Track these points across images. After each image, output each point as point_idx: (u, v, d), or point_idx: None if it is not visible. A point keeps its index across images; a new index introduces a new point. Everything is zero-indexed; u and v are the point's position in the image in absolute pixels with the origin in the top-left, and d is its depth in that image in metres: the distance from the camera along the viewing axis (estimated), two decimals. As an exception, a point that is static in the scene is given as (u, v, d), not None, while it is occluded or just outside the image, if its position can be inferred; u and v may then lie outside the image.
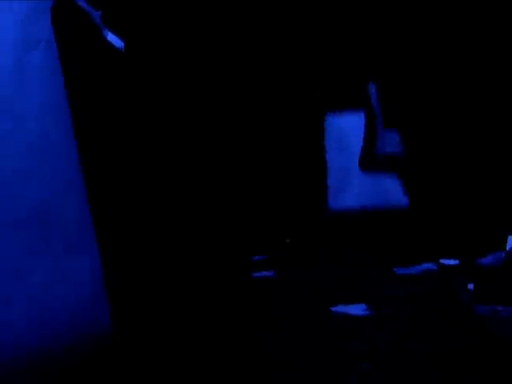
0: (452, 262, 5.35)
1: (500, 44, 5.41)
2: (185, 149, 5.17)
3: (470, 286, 4.17)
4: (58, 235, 2.41)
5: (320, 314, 3.86)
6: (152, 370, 2.66)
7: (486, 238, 5.16)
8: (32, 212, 2.36)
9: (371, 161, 4.76)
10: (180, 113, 5.03)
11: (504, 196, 5.49)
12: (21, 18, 2.50)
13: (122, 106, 2.98)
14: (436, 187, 5.81)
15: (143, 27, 4.69)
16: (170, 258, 3.36)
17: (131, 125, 3.07)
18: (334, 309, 3.96)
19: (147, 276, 3.08)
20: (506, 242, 4.43)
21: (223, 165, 5.52)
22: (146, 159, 3.27)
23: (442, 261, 5.37)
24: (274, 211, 5.73)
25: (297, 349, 3.05)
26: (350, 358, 2.87)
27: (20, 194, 2.35)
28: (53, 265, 2.37)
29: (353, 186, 4.29)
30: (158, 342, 2.92)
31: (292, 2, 5.42)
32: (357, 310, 3.93)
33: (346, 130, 4.60)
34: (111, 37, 2.83)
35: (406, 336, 3.24)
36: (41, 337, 2.30)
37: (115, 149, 2.86)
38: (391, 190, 4.46)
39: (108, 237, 2.59)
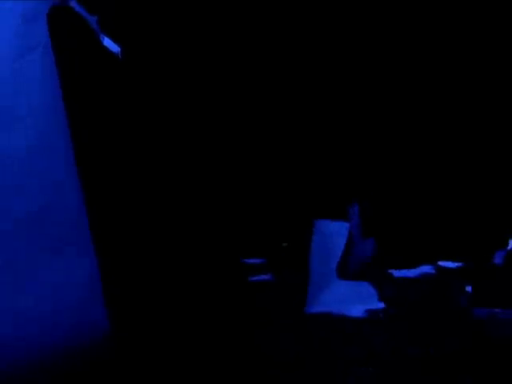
0: (450, 264, 5.35)
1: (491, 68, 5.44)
2: (182, 151, 5.17)
3: (468, 289, 4.17)
4: (54, 237, 2.41)
5: (318, 316, 3.86)
6: (150, 371, 2.66)
7: (485, 241, 5.17)
8: (27, 214, 2.36)
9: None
10: (177, 116, 5.03)
11: (503, 199, 5.49)
12: (17, 23, 2.50)
13: (119, 109, 2.98)
14: (434, 190, 5.81)
15: (140, 32, 4.70)
16: (167, 259, 3.36)
17: (127, 128, 3.08)
18: (332, 311, 3.97)
19: (144, 277, 3.08)
20: (505, 244, 4.43)
21: (221, 166, 5.52)
22: (143, 161, 3.28)
23: (440, 263, 5.37)
24: (272, 214, 5.73)
25: (295, 352, 3.05)
26: (348, 362, 2.87)
27: (15, 196, 2.36)
28: (48, 266, 2.37)
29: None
30: (156, 344, 2.92)
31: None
32: (354, 312, 3.93)
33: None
34: (108, 42, 2.83)
35: (404, 339, 3.24)
36: (37, 339, 2.30)
37: (112, 152, 2.86)
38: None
39: (104, 238, 2.59)
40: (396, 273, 5.22)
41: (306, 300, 4.05)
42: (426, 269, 5.26)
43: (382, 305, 4.14)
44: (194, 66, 5.28)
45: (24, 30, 2.51)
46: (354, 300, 4.18)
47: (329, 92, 5.69)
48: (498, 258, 4.46)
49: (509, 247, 4.34)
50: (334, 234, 4.56)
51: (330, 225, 4.59)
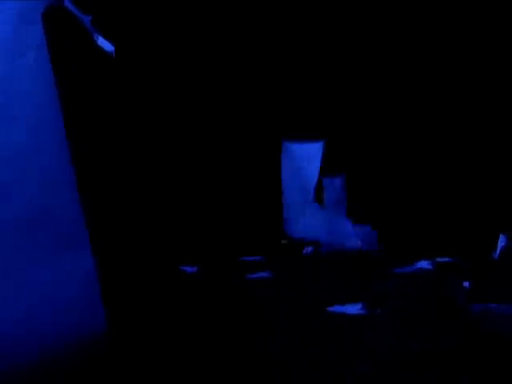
0: (447, 260, 5.36)
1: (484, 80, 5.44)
2: (177, 149, 5.17)
3: (465, 285, 4.18)
4: (51, 236, 2.41)
5: (316, 313, 3.87)
6: (147, 369, 2.66)
7: (481, 237, 5.17)
8: (24, 214, 2.37)
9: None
10: (171, 114, 5.03)
11: (498, 196, 5.50)
12: (13, 23, 2.51)
13: (113, 108, 2.98)
14: (432, 187, 5.81)
15: (133, 31, 4.70)
16: (163, 257, 3.37)
17: (122, 126, 3.08)
18: (330, 308, 3.97)
19: (141, 276, 3.08)
20: (500, 240, 4.43)
21: (218, 166, 5.52)
22: (138, 160, 3.28)
23: (437, 259, 5.38)
24: (270, 213, 5.73)
25: (293, 349, 3.06)
26: (345, 358, 2.88)
27: (11, 196, 2.36)
28: (46, 266, 2.37)
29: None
30: (152, 342, 2.92)
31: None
32: (353, 309, 3.93)
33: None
34: (102, 41, 2.84)
35: (401, 335, 3.25)
36: (35, 337, 2.30)
37: (107, 150, 2.87)
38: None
39: (101, 237, 2.60)
40: (394, 269, 5.22)
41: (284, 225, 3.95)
42: (423, 265, 5.27)
43: (379, 301, 4.14)
44: (188, 65, 5.28)
45: (19, 30, 2.52)
46: (329, 233, 4.00)
47: (328, 86, 5.69)
48: (494, 255, 4.47)
49: (501, 243, 4.33)
50: (305, 158, 4.29)
51: (300, 148, 4.33)
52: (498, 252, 4.33)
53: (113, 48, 2.92)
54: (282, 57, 5.60)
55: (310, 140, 4.31)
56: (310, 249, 5.10)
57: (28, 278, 2.34)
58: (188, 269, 4.49)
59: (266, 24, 5.50)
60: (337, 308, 3.97)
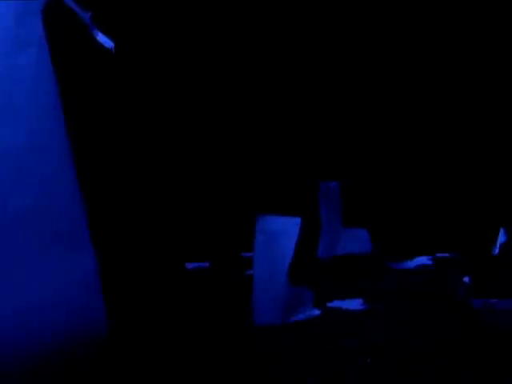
0: (447, 255, 5.37)
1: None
2: (180, 148, 5.17)
3: (466, 280, 4.18)
4: (52, 236, 2.41)
5: (317, 307, 3.87)
6: (148, 367, 2.67)
7: (481, 233, 5.18)
8: (25, 213, 2.36)
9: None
10: (173, 111, 5.02)
11: (498, 191, 5.50)
12: (13, 20, 2.50)
13: (114, 105, 2.98)
14: (431, 183, 5.82)
15: (133, 28, 4.69)
16: (164, 255, 3.36)
17: (123, 124, 3.07)
18: (330, 304, 3.97)
19: (142, 274, 3.08)
20: (501, 236, 4.43)
21: (216, 165, 5.52)
22: (140, 159, 3.27)
23: (437, 255, 5.38)
24: (268, 208, 5.72)
25: (295, 345, 3.06)
26: (347, 352, 2.88)
27: (12, 195, 2.35)
28: (47, 265, 2.37)
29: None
30: (153, 340, 2.92)
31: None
32: (353, 304, 3.93)
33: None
34: (101, 37, 2.83)
35: (402, 330, 3.25)
36: (36, 336, 2.30)
37: (108, 148, 2.86)
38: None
39: (102, 237, 2.59)
40: (394, 265, 5.23)
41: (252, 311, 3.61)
42: (423, 260, 5.27)
43: (380, 296, 4.15)
44: (188, 61, 5.27)
45: (19, 27, 2.51)
46: (297, 310, 3.75)
47: (319, 87, 5.68)
48: (494, 250, 4.48)
49: (501, 239, 4.33)
50: (281, 233, 3.77)
51: (275, 222, 3.80)
52: (498, 247, 4.34)
53: (113, 44, 2.92)
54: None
55: (287, 215, 3.98)
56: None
57: (29, 279, 2.34)
58: (189, 265, 4.50)
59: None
60: (337, 303, 3.98)
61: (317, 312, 3.71)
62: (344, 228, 5.08)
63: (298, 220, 3.75)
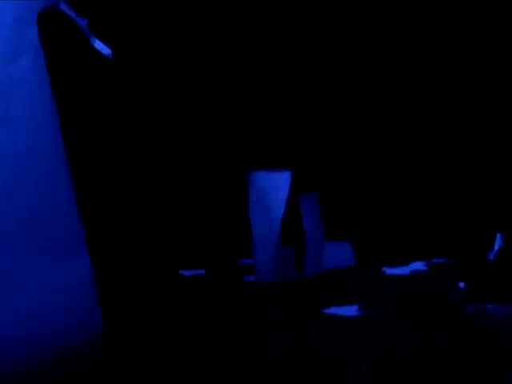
0: (443, 261, 5.37)
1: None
2: (176, 151, 5.17)
3: (461, 285, 4.19)
4: (49, 240, 2.41)
5: (312, 315, 3.87)
6: (144, 370, 2.67)
7: (477, 238, 5.19)
8: (21, 217, 2.36)
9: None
10: (169, 117, 5.02)
11: (493, 197, 5.52)
12: (8, 26, 2.50)
13: (110, 111, 2.98)
14: (426, 188, 5.83)
15: (130, 35, 4.70)
16: (160, 259, 3.36)
17: (119, 130, 3.08)
18: (326, 310, 3.97)
19: (138, 280, 3.08)
20: (495, 241, 4.44)
21: (213, 169, 5.52)
22: (136, 164, 3.28)
23: (432, 260, 5.39)
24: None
25: (290, 351, 3.06)
26: (341, 359, 2.88)
27: (8, 200, 2.35)
28: (44, 269, 2.37)
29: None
30: (150, 346, 2.92)
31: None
32: (349, 311, 3.93)
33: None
34: (98, 44, 2.83)
35: (397, 336, 3.25)
36: (34, 339, 2.30)
37: (104, 153, 2.87)
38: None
39: (99, 241, 2.59)
40: (388, 270, 5.24)
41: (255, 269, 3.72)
42: (418, 266, 5.28)
43: (375, 302, 4.15)
44: (185, 68, 5.28)
45: (15, 34, 2.51)
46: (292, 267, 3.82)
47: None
48: (489, 255, 4.49)
49: (497, 244, 4.34)
50: (274, 186, 3.85)
51: (267, 177, 3.90)
52: (493, 252, 4.35)
53: (109, 51, 2.92)
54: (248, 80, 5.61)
55: (278, 169, 4.05)
56: None
57: (25, 282, 2.34)
58: (186, 272, 4.49)
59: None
60: (333, 310, 3.98)
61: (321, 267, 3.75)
62: (327, 241, 5.00)
63: (288, 174, 3.87)
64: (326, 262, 4.85)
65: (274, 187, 3.88)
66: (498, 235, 4.41)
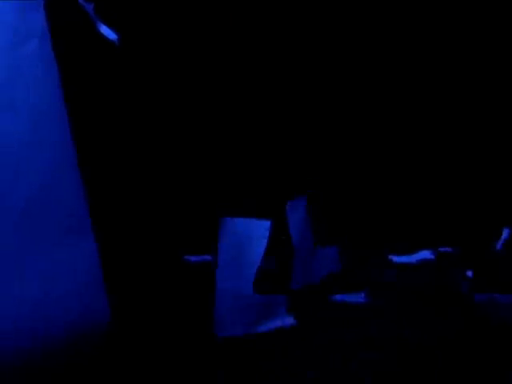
0: (450, 250, 5.36)
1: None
2: (182, 143, 5.17)
3: (469, 274, 4.18)
4: (54, 225, 2.41)
5: (318, 302, 3.87)
6: (152, 359, 2.67)
7: (484, 227, 5.17)
8: (27, 203, 2.36)
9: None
10: (177, 105, 5.02)
11: (501, 186, 5.49)
12: (14, 12, 2.49)
13: (118, 98, 2.98)
14: (434, 177, 5.81)
15: (137, 20, 4.68)
16: (168, 244, 3.36)
17: (127, 117, 3.07)
18: (332, 297, 3.97)
19: (145, 263, 3.08)
20: (502, 231, 4.42)
21: (219, 165, 5.52)
22: (144, 150, 3.27)
23: (440, 249, 5.37)
24: (264, 208, 5.72)
25: (294, 337, 3.06)
26: (348, 347, 2.88)
27: (13, 187, 2.35)
28: (49, 255, 2.37)
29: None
30: (157, 331, 2.93)
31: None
32: (355, 298, 3.93)
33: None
34: (105, 29, 2.82)
35: (404, 324, 3.25)
36: (39, 328, 2.31)
37: (110, 138, 2.86)
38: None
39: (105, 225, 2.60)
40: (396, 258, 5.23)
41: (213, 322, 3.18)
42: (425, 254, 5.26)
43: (382, 290, 4.14)
44: (192, 53, 5.26)
45: (21, 19, 2.50)
46: (264, 319, 3.33)
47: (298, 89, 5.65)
48: (497, 244, 4.47)
49: (504, 235, 4.32)
50: (250, 237, 3.32)
51: (244, 224, 3.36)
52: (500, 243, 4.33)
53: (116, 36, 2.90)
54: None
55: (256, 217, 3.43)
56: None
57: (30, 270, 2.34)
58: (192, 258, 4.50)
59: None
60: (339, 296, 3.98)
61: (290, 321, 3.36)
62: (316, 248, 4.69)
63: (267, 223, 3.37)
64: (315, 271, 4.55)
65: (250, 238, 3.35)
66: (506, 228, 4.40)
